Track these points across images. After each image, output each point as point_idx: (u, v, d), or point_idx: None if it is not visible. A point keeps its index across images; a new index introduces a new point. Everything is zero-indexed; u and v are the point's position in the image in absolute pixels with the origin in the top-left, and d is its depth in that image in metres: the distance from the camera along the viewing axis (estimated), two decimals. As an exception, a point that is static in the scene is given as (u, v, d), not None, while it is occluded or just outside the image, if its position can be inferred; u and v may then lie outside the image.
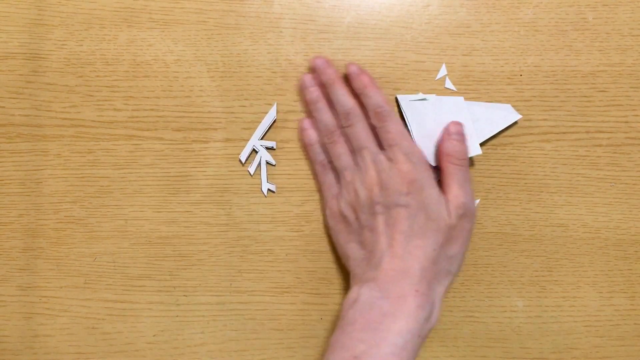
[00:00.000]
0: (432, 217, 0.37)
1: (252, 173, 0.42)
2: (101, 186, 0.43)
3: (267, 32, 0.43)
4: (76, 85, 0.43)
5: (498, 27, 0.43)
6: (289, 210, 0.43)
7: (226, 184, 0.43)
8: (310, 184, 0.43)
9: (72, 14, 0.43)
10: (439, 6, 0.43)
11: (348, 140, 0.40)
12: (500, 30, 0.43)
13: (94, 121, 0.43)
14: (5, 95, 0.43)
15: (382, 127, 0.39)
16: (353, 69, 0.40)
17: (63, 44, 0.43)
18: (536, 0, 0.43)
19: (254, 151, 0.43)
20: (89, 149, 0.43)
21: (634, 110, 0.42)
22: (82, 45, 0.43)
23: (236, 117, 0.43)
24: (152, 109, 0.43)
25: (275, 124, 0.43)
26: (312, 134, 0.41)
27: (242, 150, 0.42)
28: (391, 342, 0.34)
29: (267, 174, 0.42)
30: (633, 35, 0.43)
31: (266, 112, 0.42)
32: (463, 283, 0.42)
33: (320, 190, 0.42)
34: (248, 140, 0.42)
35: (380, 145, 0.39)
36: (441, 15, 0.43)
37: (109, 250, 0.43)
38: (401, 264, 0.36)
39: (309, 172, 0.43)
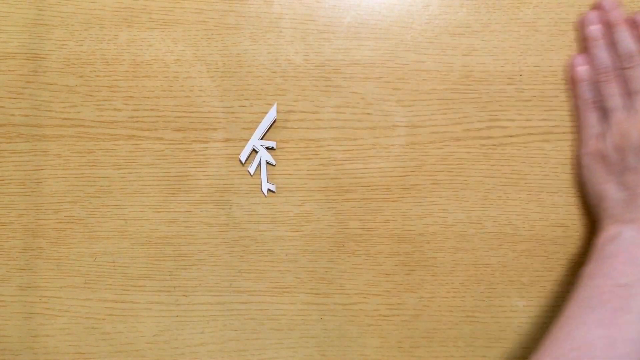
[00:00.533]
0: None
1: (252, 173, 0.42)
2: (101, 186, 0.43)
3: (267, 32, 0.43)
4: (76, 85, 0.43)
5: (498, 27, 0.43)
6: (289, 210, 0.43)
7: (226, 184, 0.43)
8: (310, 184, 0.43)
9: (72, 14, 0.43)
10: (439, 6, 0.43)
11: (622, 82, 0.40)
12: (500, 30, 0.43)
13: (94, 121, 0.43)
14: (5, 95, 0.43)
15: None
16: None
17: (63, 44, 0.43)
18: (536, 0, 0.43)
19: (254, 151, 0.43)
20: (89, 149, 0.43)
21: (634, 110, 0.42)
22: (82, 45, 0.43)
23: (236, 117, 0.43)
24: (152, 109, 0.43)
25: (275, 124, 0.43)
26: (584, 70, 0.42)
27: (242, 150, 0.42)
28: None
29: (267, 174, 0.42)
30: (633, 35, 0.43)
31: (266, 112, 0.42)
32: (463, 283, 0.42)
33: (578, 128, 0.42)
34: (248, 140, 0.42)
35: None
36: (441, 15, 0.43)
37: (109, 250, 0.43)
38: None
39: (309, 172, 0.43)
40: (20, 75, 0.43)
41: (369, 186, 0.42)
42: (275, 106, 0.42)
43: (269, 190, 0.42)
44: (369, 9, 0.43)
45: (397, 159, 0.43)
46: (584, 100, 0.41)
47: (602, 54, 0.41)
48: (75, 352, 0.42)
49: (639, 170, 0.38)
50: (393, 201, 0.42)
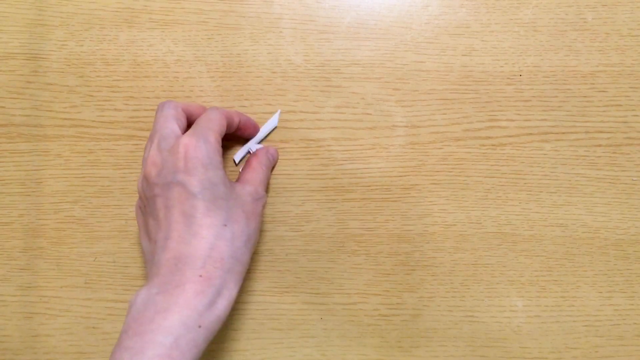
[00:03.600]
0: (219, 196, 0.33)
1: (252, 173, 0.42)
2: (102, 186, 0.43)
3: (267, 32, 0.43)
4: (76, 86, 0.43)
5: (498, 27, 0.43)
6: (289, 210, 0.43)
7: (226, 184, 0.43)
8: (311, 184, 0.43)
9: (72, 14, 0.43)
10: (439, 6, 0.43)
11: None
12: (500, 30, 0.43)
13: (95, 121, 0.43)
14: (5, 95, 0.43)
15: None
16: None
17: (63, 44, 0.43)
18: (536, 0, 0.43)
19: (249, 153, 0.43)
20: (89, 149, 0.43)
21: (633, 110, 0.42)
22: (82, 46, 0.43)
23: (236, 117, 0.43)
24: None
25: (275, 124, 0.43)
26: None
27: (237, 152, 0.42)
28: (158, 342, 0.29)
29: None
30: (632, 36, 0.43)
31: (266, 112, 0.42)
32: (463, 283, 0.42)
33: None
34: (248, 140, 0.42)
35: None
36: (441, 16, 0.43)
37: (109, 250, 0.43)
38: (184, 249, 0.31)
39: (309, 172, 0.43)
40: (21, 75, 0.43)
41: (369, 186, 0.43)
42: (278, 114, 0.42)
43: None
44: (369, 9, 0.43)
45: (397, 159, 0.43)
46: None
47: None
48: (75, 352, 0.42)
49: (155, 214, 0.33)
50: (393, 201, 0.43)
